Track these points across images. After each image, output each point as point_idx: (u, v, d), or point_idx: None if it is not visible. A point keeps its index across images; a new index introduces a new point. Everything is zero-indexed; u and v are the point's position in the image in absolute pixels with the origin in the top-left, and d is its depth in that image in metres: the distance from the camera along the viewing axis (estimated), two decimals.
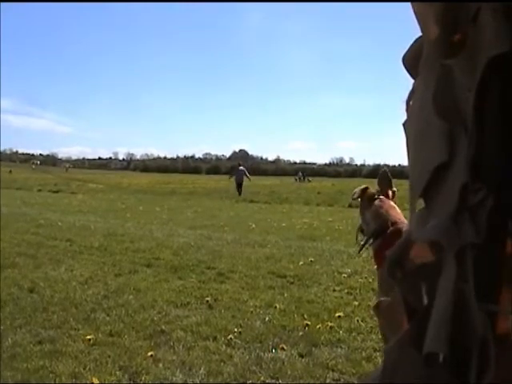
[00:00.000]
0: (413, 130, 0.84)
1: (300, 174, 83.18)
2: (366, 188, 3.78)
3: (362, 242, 3.65)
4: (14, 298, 7.55)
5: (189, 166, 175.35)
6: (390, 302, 0.86)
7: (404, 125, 0.88)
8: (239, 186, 40.01)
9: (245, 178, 40.35)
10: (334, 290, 8.21)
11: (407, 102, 0.89)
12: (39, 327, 6.27)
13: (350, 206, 23.81)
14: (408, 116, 0.88)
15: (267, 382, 4.78)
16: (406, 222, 3.48)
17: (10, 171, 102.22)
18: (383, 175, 3.77)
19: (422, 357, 0.71)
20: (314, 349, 5.62)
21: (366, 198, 3.76)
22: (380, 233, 3.53)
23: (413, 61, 0.86)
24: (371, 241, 3.58)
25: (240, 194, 39.18)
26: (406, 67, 0.90)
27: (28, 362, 5.17)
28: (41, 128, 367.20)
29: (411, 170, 0.82)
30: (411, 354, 0.75)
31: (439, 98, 0.74)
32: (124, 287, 8.26)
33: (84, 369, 5.03)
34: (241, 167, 40.83)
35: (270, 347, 5.67)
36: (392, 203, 3.68)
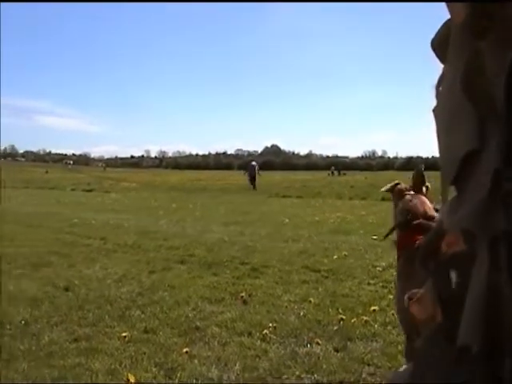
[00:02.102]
0: (442, 116, 0.83)
1: (333, 168, 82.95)
2: (397, 184, 3.85)
3: (387, 232, 3.78)
4: (50, 296, 7.63)
5: (221, 162, 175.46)
6: (422, 293, 0.85)
7: (434, 111, 0.86)
8: (252, 179, 42.23)
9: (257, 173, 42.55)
10: (369, 284, 8.17)
11: (436, 88, 0.87)
12: (75, 325, 6.33)
13: (383, 199, 23.61)
14: (437, 102, 0.86)
15: (302, 376, 4.78)
16: (436, 216, 3.50)
17: (47, 171, 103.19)
18: (418, 172, 3.85)
19: (455, 350, 0.70)
20: (349, 343, 5.61)
21: (396, 193, 3.82)
22: (404, 225, 3.60)
23: (441, 45, 0.85)
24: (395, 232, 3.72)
25: (254, 187, 41.15)
26: (434, 52, 0.89)
27: (64, 360, 5.22)
28: (73, 128, 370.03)
29: (441, 157, 0.81)
30: (444, 348, 0.74)
31: (469, 83, 0.73)
32: (158, 284, 8.30)
33: (120, 366, 5.07)
34: (253, 162, 43.53)
35: (305, 342, 5.66)
36: (424, 198, 3.73)
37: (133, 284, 8.38)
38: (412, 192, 3.83)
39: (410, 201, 3.72)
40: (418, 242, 3.40)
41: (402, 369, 0.96)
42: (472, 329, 0.69)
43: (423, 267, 0.85)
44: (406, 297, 1.00)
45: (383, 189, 4.04)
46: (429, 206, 3.71)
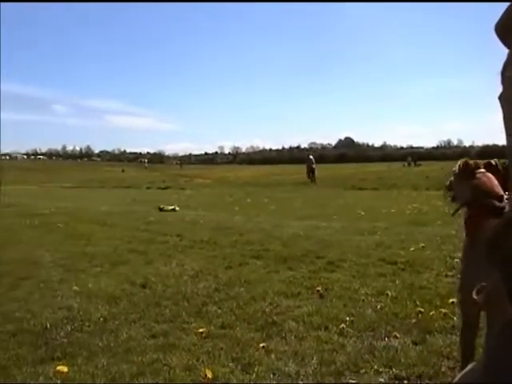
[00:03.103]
0: (508, 102, 0.79)
1: (409, 158, 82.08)
2: (467, 161, 3.86)
3: (455, 208, 3.82)
4: (128, 293, 7.76)
5: (294, 156, 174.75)
6: (491, 286, 0.82)
7: (499, 98, 0.83)
8: (311, 172, 43.96)
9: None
10: (447, 276, 8.04)
11: (502, 74, 0.84)
12: (152, 321, 6.42)
13: None
14: (504, 88, 0.83)
15: (380, 370, 4.73)
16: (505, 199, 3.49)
17: (123, 170, 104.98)
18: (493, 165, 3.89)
19: None
20: (427, 336, 5.53)
21: (469, 170, 3.83)
22: (473, 203, 3.61)
23: (505, 29, 0.81)
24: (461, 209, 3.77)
25: (313, 180, 42.50)
26: (498, 36, 0.85)
27: (142, 356, 5.30)
28: (146, 127, 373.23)
29: (509, 145, 0.77)
30: None
31: None
32: (234, 280, 8.33)
33: (197, 361, 5.11)
34: (310, 156, 45.50)
35: (383, 335, 5.62)
36: (490, 176, 3.74)
37: (209, 280, 8.44)
38: (482, 170, 3.80)
39: (480, 179, 3.71)
40: (484, 222, 3.39)
41: (468, 368, 0.92)
42: None
43: (489, 260, 0.81)
44: (474, 291, 0.96)
45: (454, 168, 4.01)
46: (496, 183, 3.68)
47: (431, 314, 6.18)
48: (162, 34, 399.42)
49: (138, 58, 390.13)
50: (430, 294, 7.09)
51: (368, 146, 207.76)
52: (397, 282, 7.82)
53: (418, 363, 4.83)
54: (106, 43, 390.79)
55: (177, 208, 21.79)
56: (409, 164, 77.54)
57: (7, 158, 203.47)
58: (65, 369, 4.93)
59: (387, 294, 7.10)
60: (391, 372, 4.70)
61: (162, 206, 21.90)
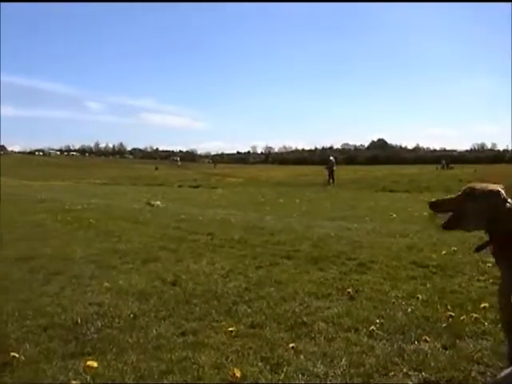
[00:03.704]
0: None
1: (444, 161, 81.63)
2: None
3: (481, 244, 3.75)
4: (158, 291, 7.78)
5: (327, 157, 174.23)
6: None
7: None
8: (331, 173, 44.45)
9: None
10: (479, 280, 7.97)
11: None
12: (182, 319, 6.43)
13: None
14: None
15: (410, 374, 4.70)
16: None
17: (156, 168, 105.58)
18: None
19: None
20: (458, 341, 5.49)
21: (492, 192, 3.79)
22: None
23: None
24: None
25: (333, 181, 43.57)
26: None
27: (172, 353, 5.32)
28: (179, 125, 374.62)
29: None
30: None
31: None
32: (265, 279, 8.33)
33: (226, 360, 5.12)
34: (331, 157, 46.34)
35: (413, 339, 5.58)
36: None
37: (240, 279, 8.45)
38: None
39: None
40: None
41: (503, 374, 0.91)
42: None
43: None
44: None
45: (466, 188, 3.99)
46: None
47: (462, 318, 6.13)
48: (198, 33, 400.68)
49: (174, 57, 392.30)
50: (461, 298, 7.04)
51: (401, 147, 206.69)
52: (428, 285, 7.77)
53: (447, 368, 4.80)
54: (143, 41, 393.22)
55: (158, 203, 23.19)
56: (442, 167, 77.10)
57: (41, 153, 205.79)
58: (94, 364, 4.97)
59: (418, 298, 7.06)
60: (420, 376, 4.67)
61: (152, 202, 23.16)
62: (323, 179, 44.75)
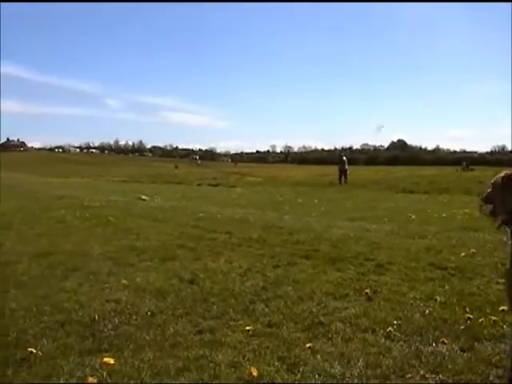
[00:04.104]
0: None
1: (464, 163, 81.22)
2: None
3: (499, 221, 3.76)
4: (175, 289, 7.80)
5: (346, 157, 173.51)
6: None
7: None
8: (343, 173, 44.19)
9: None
10: (498, 283, 7.89)
11: None
12: (199, 317, 6.45)
13: None
14: None
15: (427, 376, 4.68)
16: None
17: (176, 166, 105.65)
18: None
19: None
20: (476, 343, 5.46)
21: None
22: None
23: None
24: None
25: (343, 181, 43.45)
26: None
27: (188, 351, 5.33)
28: (199, 123, 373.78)
29: None
30: None
31: None
32: (282, 279, 8.33)
33: (243, 359, 5.12)
34: (344, 158, 45.46)
35: (430, 341, 5.56)
36: None
37: (257, 278, 8.45)
38: None
39: None
40: None
41: None
42: None
43: None
44: None
45: (496, 180, 4.00)
46: None
47: (480, 320, 6.09)
48: (218, 32, 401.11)
49: (194, 56, 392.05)
50: (479, 300, 7.01)
51: (421, 148, 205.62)
52: (446, 287, 7.74)
53: (465, 370, 4.77)
54: (164, 40, 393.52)
55: (145, 197, 24.71)
56: (463, 169, 76.69)
57: (60, 150, 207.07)
58: (111, 361, 4.99)
59: (436, 299, 7.03)
60: (438, 378, 4.65)
61: (142, 197, 24.70)
62: (335, 178, 44.87)
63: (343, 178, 43.45)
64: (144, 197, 25.08)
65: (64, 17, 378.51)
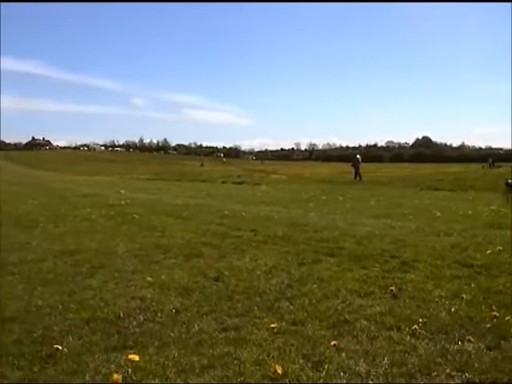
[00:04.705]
0: None
1: (490, 160, 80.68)
2: None
3: None
4: (200, 286, 7.82)
5: (371, 154, 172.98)
6: None
7: None
8: (357, 170, 46.02)
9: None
10: None
11: None
12: (224, 315, 6.45)
13: None
14: None
15: (453, 374, 4.64)
16: None
17: (202, 164, 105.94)
18: None
19: None
20: (502, 342, 5.41)
21: None
22: None
23: None
24: None
25: (359, 178, 45.04)
26: None
27: (213, 349, 5.33)
28: (223, 121, 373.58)
29: None
30: None
31: None
32: (307, 276, 8.31)
33: (267, 356, 5.11)
34: (357, 156, 48.12)
35: (456, 339, 5.51)
36: None
37: (282, 276, 8.43)
38: None
39: None
40: None
41: None
42: None
43: None
44: None
45: None
46: None
47: (507, 319, 6.03)
48: (241, 29, 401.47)
49: (218, 54, 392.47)
50: (506, 298, 6.94)
51: (446, 145, 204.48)
52: (472, 285, 7.68)
53: (491, 369, 4.73)
54: (188, 39, 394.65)
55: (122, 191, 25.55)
56: (489, 166, 76.19)
57: (85, 148, 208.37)
58: (136, 358, 5.01)
59: (462, 297, 6.98)
60: (464, 377, 4.61)
61: (120, 191, 26.21)
62: (351, 177, 45.29)
63: (358, 174, 44.29)
64: (122, 191, 26.40)
65: (91, 17, 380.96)
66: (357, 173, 45.71)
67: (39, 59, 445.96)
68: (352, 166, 47.39)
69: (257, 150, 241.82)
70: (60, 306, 6.82)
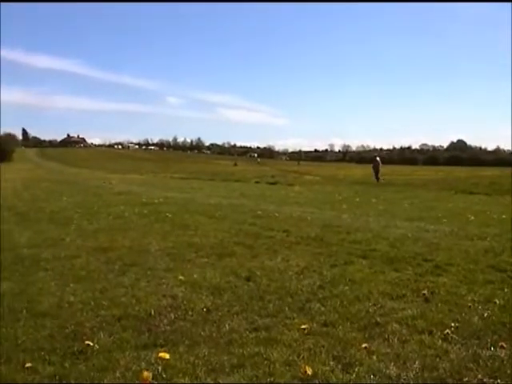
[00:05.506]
0: None
1: None
2: None
3: None
4: (232, 286, 7.84)
5: (405, 157, 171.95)
6: None
7: None
8: (376, 173, 46.80)
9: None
10: None
11: None
12: (255, 315, 6.46)
13: None
14: None
15: (485, 380, 4.60)
16: None
17: (235, 164, 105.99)
18: None
19: None
20: None
21: None
22: None
23: None
24: None
25: (378, 179, 45.70)
26: None
27: (243, 348, 5.35)
28: (257, 121, 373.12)
29: None
30: None
31: None
32: (339, 278, 8.29)
33: (297, 357, 5.11)
34: (377, 158, 48.96)
35: (489, 344, 5.47)
36: None
37: (314, 277, 8.42)
38: None
39: None
40: None
41: None
42: None
43: None
44: None
45: None
46: None
47: None
48: (278, 31, 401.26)
49: (253, 55, 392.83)
50: None
51: (480, 149, 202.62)
52: (506, 290, 7.60)
53: None
54: (223, 39, 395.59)
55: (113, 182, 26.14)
56: None
57: (120, 147, 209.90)
58: (167, 356, 5.05)
59: (495, 302, 6.92)
60: (496, 383, 4.57)
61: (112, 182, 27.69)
62: (390, 178, 45.53)
63: (377, 176, 44.83)
64: (113, 181, 27.19)
65: (129, 17, 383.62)
66: (377, 174, 46.09)
67: (80, 58, 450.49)
68: (372, 167, 47.92)
69: (290, 150, 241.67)
70: (92, 303, 6.89)
